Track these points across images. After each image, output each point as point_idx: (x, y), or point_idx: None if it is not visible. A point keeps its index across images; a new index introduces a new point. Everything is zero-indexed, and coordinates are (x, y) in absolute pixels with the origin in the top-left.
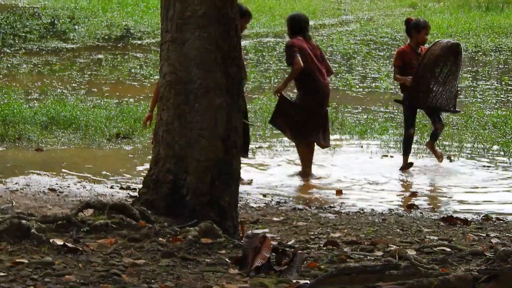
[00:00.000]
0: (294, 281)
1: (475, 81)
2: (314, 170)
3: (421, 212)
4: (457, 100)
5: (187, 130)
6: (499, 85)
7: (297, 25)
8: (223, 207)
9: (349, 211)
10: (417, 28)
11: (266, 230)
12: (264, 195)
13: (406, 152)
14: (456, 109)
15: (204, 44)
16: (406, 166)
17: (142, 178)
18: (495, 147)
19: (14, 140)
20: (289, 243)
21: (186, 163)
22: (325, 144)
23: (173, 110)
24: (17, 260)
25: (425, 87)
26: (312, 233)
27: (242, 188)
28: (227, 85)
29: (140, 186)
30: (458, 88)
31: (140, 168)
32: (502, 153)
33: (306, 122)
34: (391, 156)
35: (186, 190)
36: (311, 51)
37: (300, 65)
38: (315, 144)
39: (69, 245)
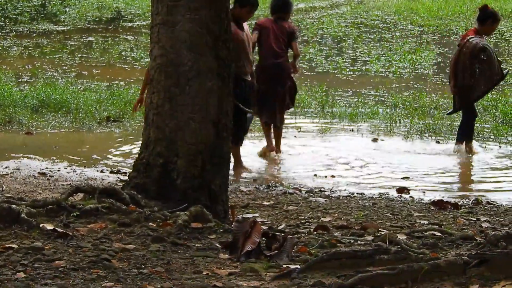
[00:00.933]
0: (284, 266)
1: None
2: (305, 153)
3: (411, 196)
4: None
5: (177, 113)
6: None
7: (274, 6)
8: (214, 191)
9: (339, 195)
10: (495, 19)
11: (257, 214)
12: (255, 180)
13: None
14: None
15: (195, 27)
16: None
17: (133, 161)
18: (486, 130)
19: (4, 123)
20: (280, 227)
21: (177, 147)
22: (269, 122)
23: (163, 93)
24: (7, 245)
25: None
26: (302, 217)
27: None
28: (218, 68)
29: (131, 170)
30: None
31: (130, 151)
32: (492, 136)
33: (257, 100)
34: (382, 140)
35: (177, 173)
36: (273, 31)
37: (253, 40)
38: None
39: (59, 230)
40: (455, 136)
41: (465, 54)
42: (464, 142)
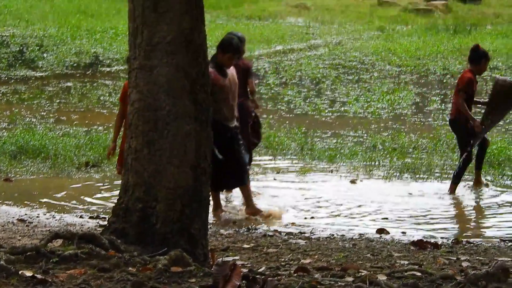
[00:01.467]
0: None
1: (443, 104)
2: (285, 194)
3: (391, 237)
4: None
5: (156, 158)
6: None
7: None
8: (193, 235)
9: (319, 237)
10: (486, 57)
11: (237, 257)
12: (234, 222)
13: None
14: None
15: (172, 71)
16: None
17: (112, 206)
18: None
19: None
20: (260, 270)
21: (156, 191)
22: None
23: (141, 138)
24: None
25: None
26: (282, 259)
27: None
28: (196, 112)
29: (110, 215)
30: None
31: (109, 196)
32: (470, 175)
33: None
34: (361, 180)
35: (156, 218)
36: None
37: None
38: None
39: (39, 276)
40: (434, 176)
41: (499, 92)
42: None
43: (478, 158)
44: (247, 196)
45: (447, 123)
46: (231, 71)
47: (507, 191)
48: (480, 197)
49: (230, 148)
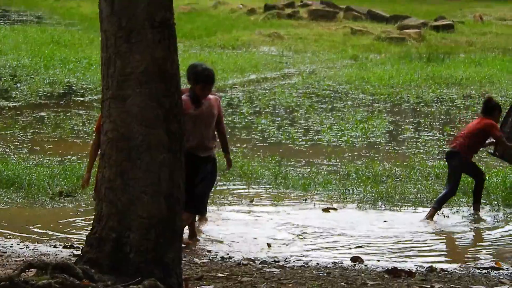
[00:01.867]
0: None
1: (417, 132)
2: (259, 223)
3: (365, 265)
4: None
5: (129, 187)
6: (441, 135)
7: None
8: (167, 264)
9: (293, 265)
10: (499, 109)
11: (211, 286)
12: (209, 251)
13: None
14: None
15: (145, 101)
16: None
17: (86, 236)
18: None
19: None
20: None
21: (129, 221)
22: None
23: (115, 167)
24: None
25: None
26: None
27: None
28: (169, 142)
29: (84, 244)
30: None
31: (83, 226)
32: (445, 204)
33: None
34: (335, 209)
35: (130, 247)
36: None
37: None
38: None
39: None
40: (408, 204)
41: None
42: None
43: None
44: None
45: (419, 151)
46: (212, 101)
47: (481, 219)
48: (455, 225)
49: (192, 177)
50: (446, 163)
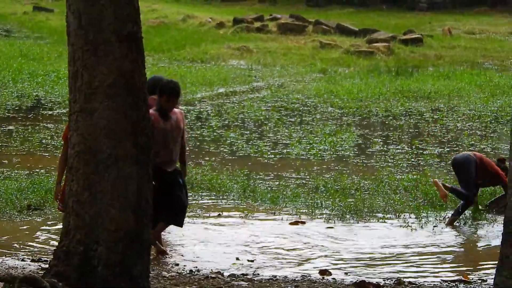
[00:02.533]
0: None
1: (385, 145)
2: (227, 237)
3: (334, 278)
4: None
5: (97, 201)
6: (409, 149)
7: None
8: (135, 277)
9: (262, 279)
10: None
11: None
12: (177, 264)
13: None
14: None
15: (112, 114)
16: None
17: (54, 249)
18: (407, 210)
19: None
20: None
21: (97, 234)
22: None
23: (82, 181)
24: None
25: None
26: None
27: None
28: (137, 154)
29: (51, 257)
30: None
31: (51, 239)
32: (413, 216)
33: None
34: (303, 222)
35: (98, 260)
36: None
37: None
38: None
39: None
40: (377, 217)
41: None
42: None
43: None
44: (159, 234)
45: (388, 164)
46: (178, 115)
47: (448, 231)
48: (422, 237)
49: (168, 192)
50: None
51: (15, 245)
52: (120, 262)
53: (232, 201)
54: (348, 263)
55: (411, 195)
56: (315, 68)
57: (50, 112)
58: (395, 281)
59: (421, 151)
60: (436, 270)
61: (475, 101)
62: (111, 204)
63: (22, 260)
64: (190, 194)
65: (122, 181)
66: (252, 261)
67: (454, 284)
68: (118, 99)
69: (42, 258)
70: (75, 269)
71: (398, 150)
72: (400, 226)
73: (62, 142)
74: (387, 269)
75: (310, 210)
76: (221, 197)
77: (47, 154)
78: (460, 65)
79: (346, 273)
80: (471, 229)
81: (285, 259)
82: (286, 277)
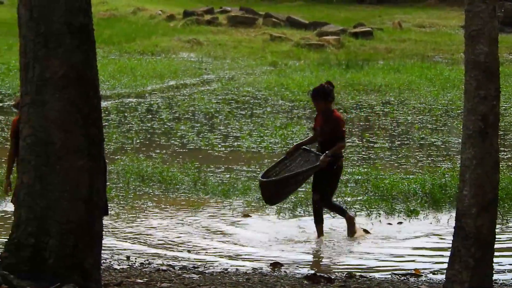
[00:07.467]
0: None
1: None
2: (177, 229)
3: (285, 271)
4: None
5: (48, 193)
6: (360, 142)
7: None
8: (86, 269)
9: (213, 271)
10: None
11: None
12: (128, 257)
13: None
14: None
15: (64, 106)
16: None
17: (5, 241)
18: (358, 204)
19: None
20: None
21: (48, 226)
22: None
23: (33, 172)
24: None
25: None
26: None
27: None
28: (89, 146)
29: (2, 250)
30: None
31: (2, 231)
32: (364, 208)
33: None
34: (250, 216)
35: (49, 253)
36: None
37: None
38: None
39: None
40: (327, 210)
41: None
42: None
43: None
44: None
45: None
46: None
47: (400, 225)
48: (376, 231)
49: None
50: None
51: None
52: (71, 254)
53: (183, 193)
54: (299, 256)
55: (362, 189)
56: (266, 61)
57: (0, 104)
58: (346, 274)
59: (371, 144)
60: (388, 264)
61: (426, 95)
62: (62, 196)
63: None
64: (141, 187)
65: (73, 173)
66: (204, 252)
67: (405, 278)
68: (69, 91)
69: None
70: (27, 262)
71: (349, 143)
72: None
73: (10, 136)
74: (338, 263)
75: (261, 203)
76: (172, 189)
77: None
78: (410, 59)
79: (297, 267)
80: (425, 222)
81: (236, 251)
82: (237, 269)
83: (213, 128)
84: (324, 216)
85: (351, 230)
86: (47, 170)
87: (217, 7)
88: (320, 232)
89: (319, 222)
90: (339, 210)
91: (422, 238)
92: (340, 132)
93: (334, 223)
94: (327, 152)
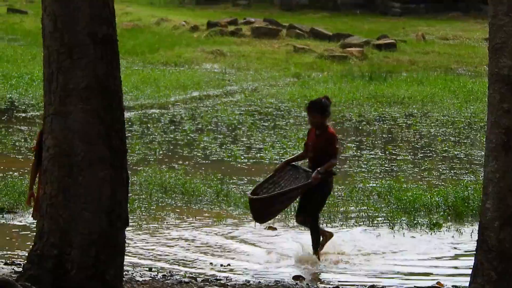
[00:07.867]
0: None
1: (359, 151)
2: (201, 241)
3: (307, 284)
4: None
5: (71, 204)
6: (383, 154)
7: None
8: (108, 281)
9: (235, 283)
10: None
11: None
12: (150, 269)
13: None
14: None
15: (87, 117)
16: None
17: (27, 253)
18: (380, 217)
19: None
20: None
21: (71, 237)
22: None
23: (56, 184)
24: None
25: None
26: None
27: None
28: (111, 158)
29: (25, 261)
30: None
31: (25, 242)
32: (387, 221)
33: None
34: (274, 228)
35: (71, 264)
36: None
37: None
38: None
39: None
40: (351, 224)
41: None
42: None
43: None
44: None
45: (361, 169)
46: None
47: (423, 238)
48: (396, 243)
49: None
50: None
51: None
52: (93, 266)
53: (205, 205)
54: (322, 269)
55: (385, 201)
56: (289, 72)
57: (23, 115)
58: (369, 287)
59: (394, 156)
60: (411, 276)
61: (449, 107)
62: (84, 207)
63: None
64: (164, 198)
65: (95, 185)
66: (227, 265)
67: None
68: (92, 102)
69: (16, 262)
70: (49, 273)
71: (371, 156)
72: (371, 231)
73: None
74: (362, 275)
75: (284, 215)
76: (194, 201)
77: (20, 157)
78: (433, 71)
79: (320, 279)
80: (447, 235)
81: (259, 263)
82: (260, 282)
83: (236, 140)
84: (326, 228)
85: (321, 244)
86: (70, 181)
87: (241, 18)
88: (323, 234)
89: (321, 234)
90: (317, 238)
91: (444, 251)
92: (333, 149)
93: (345, 236)
94: (319, 169)
